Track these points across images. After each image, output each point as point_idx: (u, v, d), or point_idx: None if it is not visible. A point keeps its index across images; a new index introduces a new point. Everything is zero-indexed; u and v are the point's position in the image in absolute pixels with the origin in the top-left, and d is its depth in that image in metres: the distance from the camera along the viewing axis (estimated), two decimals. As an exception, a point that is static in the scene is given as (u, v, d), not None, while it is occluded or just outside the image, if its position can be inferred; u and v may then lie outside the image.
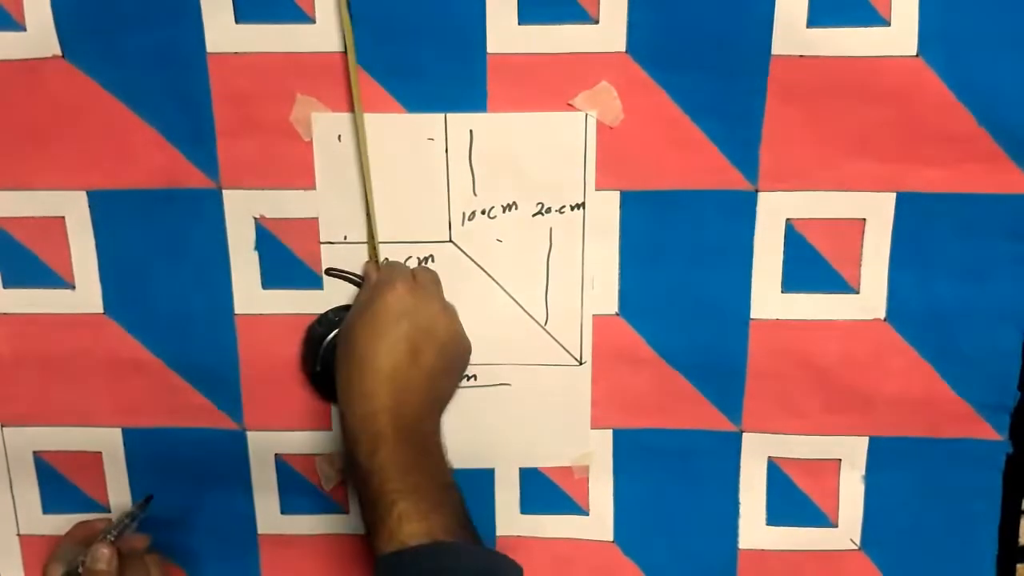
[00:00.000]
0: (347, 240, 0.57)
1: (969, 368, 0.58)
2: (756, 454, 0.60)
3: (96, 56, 0.54)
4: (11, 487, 0.62)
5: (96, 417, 0.61)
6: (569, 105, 0.55)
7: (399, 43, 0.54)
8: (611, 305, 0.58)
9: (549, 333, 0.59)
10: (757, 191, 0.56)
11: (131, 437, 0.61)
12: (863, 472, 0.60)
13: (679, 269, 0.57)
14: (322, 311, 0.58)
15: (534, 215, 0.57)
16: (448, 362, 0.54)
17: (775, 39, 0.53)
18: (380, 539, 0.48)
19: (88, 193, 0.57)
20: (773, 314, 0.58)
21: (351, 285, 0.58)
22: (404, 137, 0.56)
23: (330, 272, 0.58)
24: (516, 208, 0.57)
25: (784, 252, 0.57)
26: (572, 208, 0.57)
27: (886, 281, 0.57)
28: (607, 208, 0.56)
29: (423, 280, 0.55)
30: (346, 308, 0.58)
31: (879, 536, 0.61)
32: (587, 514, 0.62)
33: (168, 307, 0.58)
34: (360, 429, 0.50)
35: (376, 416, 0.49)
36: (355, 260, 0.58)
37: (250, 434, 0.61)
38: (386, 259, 0.57)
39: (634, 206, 0.56)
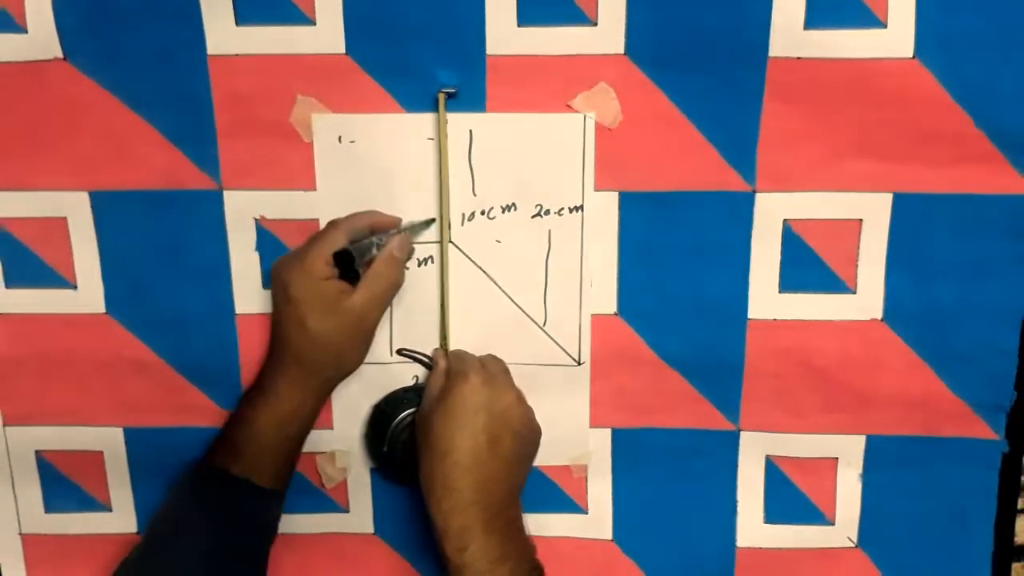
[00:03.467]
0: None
1: (966, 368, 0.58)
2: (754, 453, 0.60)
3: (97, 58, 0.55)
4: (13, 486, 0.63)
5: (98, 416, 0.61)
6: (568, 106, 0.55)
7: (399, 43, 0.54)
8: (610, 305, 0.58)
9: (548, 334, 0.59)
10: (755, 192, 0.56)
11: (132, 436, 0.61)
12: (860, 471, 0.60)
13: (677, 269, 0.57)
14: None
15: (533, 216, 0.57)
16: (525, 448, 0.55)
17: (772, 41, 0.53)
18: None
19: (90, 194, 0.57)
20: (770, 314, 0.58)
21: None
22: (404, 137, 0.56)
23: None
24: (515, 209, 0.57)
25: (781, 252, 0.57)
26: (571, 210, 0.57)
27: (883, 281, 0.57)
28: (606, 209, 0.57)
29: (494, 370, 0.56)
30: (413, 389, 0.60)
31: (876, 534, 0.61)
32: (586, 513, 0.62)
33: (169, 307, 0.59)
34: (448, 523, 0.51)
35: (464, 510, 0.50)
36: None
37: (251, 433, 0.61)
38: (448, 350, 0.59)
39: (632, 207, 0.57)
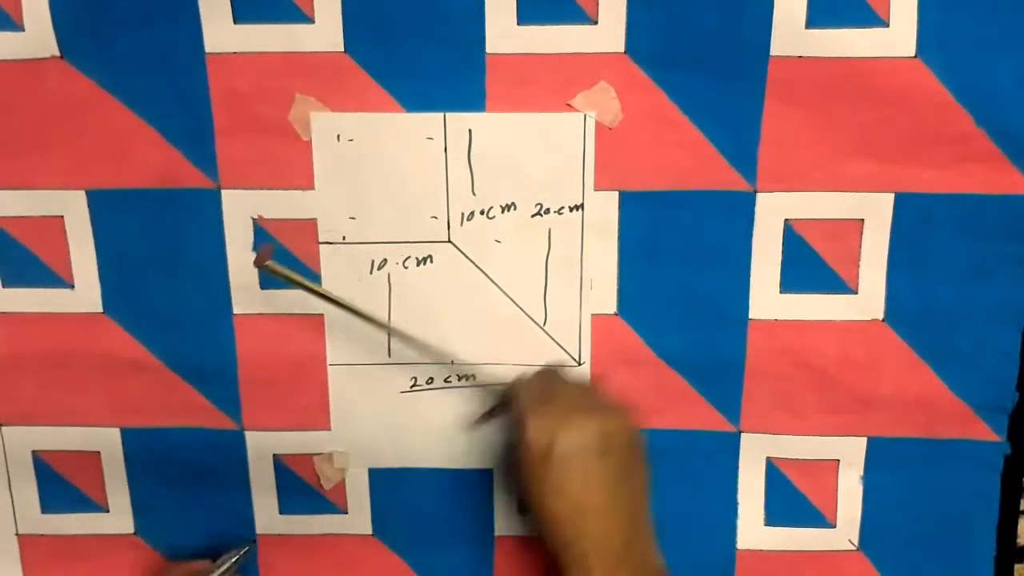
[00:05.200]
0: (345, 240, 0.57)
1: (967, 369, 0.58)
2: (754, 454, 0.60)
3: (94, 56, 0.55)
4: (10, 486, 0.62)
5: (95, 417, 0.61)
6: (568, 105, 0.55)
7: (398, 42, 0.54)
8: (610, 305, 0.58)
9: (548, 334, 0.59)
10: (756, 192, 0.56)
11: (130, 437, 0.61)
12: (861, 473, 0.60)
13: (678, 269, 0.57)
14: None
15: (533, 216, 0.57)
16: (633, 471, 0.50)
17: (774, 40, 0.53)
18: None
19: (87, 192, 0.57)
20: (771, 314, 0.58)
21: (353, 300, 0.57)
22: (403, 137, 0.56)
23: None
24: (515, 209, 0.57)
25: (782, 252, 0.57)
26: (571, 209, 0.57)
27: (884, 282, 0.57)
28: (606, 208, 0.57)
29: (574, 394, 0.52)
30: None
31: (877, 537, 0.61)
32: (585, 514, 0.62)
33: (167, 307, 0.58)
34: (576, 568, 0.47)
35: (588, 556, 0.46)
36: (353, 260, 0.58)
37: (248, 434, 0.61)
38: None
39: (633, 206, 0.56)
